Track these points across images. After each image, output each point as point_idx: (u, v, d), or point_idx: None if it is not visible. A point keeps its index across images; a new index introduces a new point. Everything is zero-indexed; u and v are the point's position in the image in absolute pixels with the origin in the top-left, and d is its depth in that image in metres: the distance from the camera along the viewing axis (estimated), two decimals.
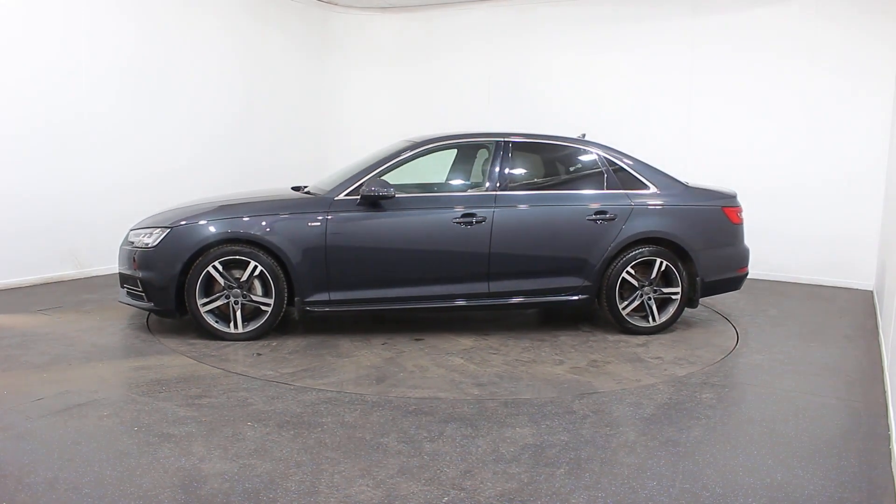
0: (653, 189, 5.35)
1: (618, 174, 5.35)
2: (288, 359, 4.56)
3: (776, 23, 7.62)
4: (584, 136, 5.70)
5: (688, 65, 8.07)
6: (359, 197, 4.94)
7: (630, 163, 5.41)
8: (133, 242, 5.03)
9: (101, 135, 6.97)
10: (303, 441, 3.25)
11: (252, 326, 4.87)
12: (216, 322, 4.86)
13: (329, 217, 4.89)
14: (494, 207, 5.06)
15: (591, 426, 3.51)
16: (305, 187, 5.53)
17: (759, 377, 4.45)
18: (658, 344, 5.07)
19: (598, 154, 5.42)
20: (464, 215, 5.01)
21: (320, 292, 4.90)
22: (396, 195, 4.95)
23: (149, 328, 5.19)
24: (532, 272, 5.15)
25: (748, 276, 5.71)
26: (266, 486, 2.80)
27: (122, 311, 5.67)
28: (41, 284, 6.56)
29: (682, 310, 5.35)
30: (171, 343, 4.80)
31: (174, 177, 7.65)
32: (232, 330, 4.86)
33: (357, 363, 4.51)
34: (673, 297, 5.29)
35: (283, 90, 9.17)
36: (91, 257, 7.02)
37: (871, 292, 7.20)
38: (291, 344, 4.89)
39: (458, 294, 5.09)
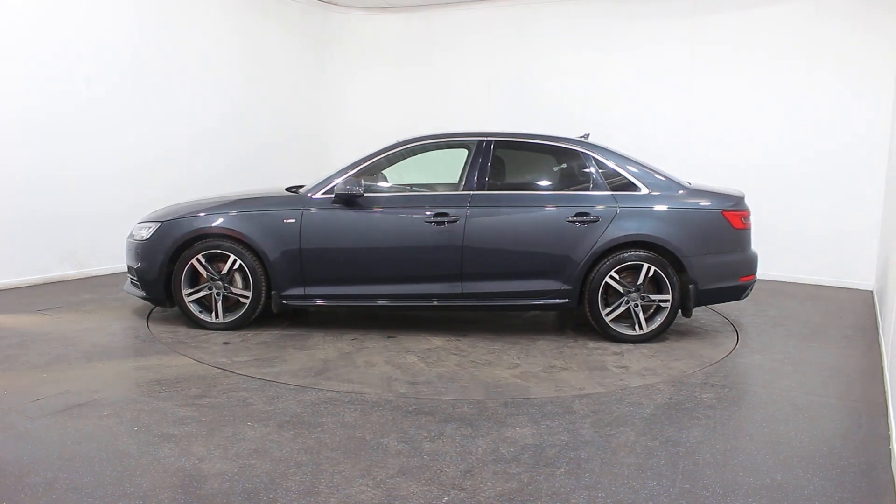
0: (644, 190, 5.07)
1: (606, 175, 5.12)
2: (251, 348, 4.75)
3: (776, 22, 7.62)
4: (587, 136, 5.64)
5: (688, 63, 8.07)
6: (333, 195, 5.06)
7: (620, 163, 5.17)
8: (134, 235, 5.35)
9: (101, 133, 6.98)
10: (303, 441, 3.25)
11: (232, 317, 5.14)
12: (200, 312, 5.17)
13: (304, 214, 5.05)
14: (469, 207, 5.02)
15: (591, 426, 3.51)
16: (301, 187, 5.55)
17: (759, 377, 4.45)
18: (637, 353, 4.83)
19: (585, 154, 5.21)
20: (436, 215, 5.00)
21: (296, 287, 5.08)
22: (370, 194, 5.11)
23: (149, 328, 5.19)
24: (507, 274, 5.03)
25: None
26: (266, 486, 2.80)
27: (122, 310, 5.67)
28: (41, 284, 6.56)
29: (673, 318, 5.05)
30: (172, 343, 4.81)
31: (173, 176, 7.65)
32: (213, 320, 5.14)
33: (311, 356, 4.61)
34: (662, 304, 5.01)
35: (282, 89, 9.17)
36: (90, 257, 7.02)
37: (871, 292, 7.20)
38: (265, 335, 5.08)
39: (431, 294, 5.06)
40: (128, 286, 5.44)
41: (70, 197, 6.77)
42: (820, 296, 7.08)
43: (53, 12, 6.48)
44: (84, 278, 6.90)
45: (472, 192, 5.09)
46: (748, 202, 5.29)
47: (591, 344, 5.05)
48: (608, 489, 2.85)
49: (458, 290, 5.04)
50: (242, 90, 8.58)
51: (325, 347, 4.83)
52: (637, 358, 4.74)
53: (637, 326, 5.03)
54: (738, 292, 5.22)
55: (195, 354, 4.57)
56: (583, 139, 5.47)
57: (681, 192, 5.14)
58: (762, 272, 7.42)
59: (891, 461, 3.19)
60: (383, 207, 5.12)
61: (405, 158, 5.44)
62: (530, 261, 5.02)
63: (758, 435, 3.48)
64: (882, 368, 4.61)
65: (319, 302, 5.11)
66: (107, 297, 6.15)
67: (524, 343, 5.06)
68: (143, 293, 5.23)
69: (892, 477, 3.05)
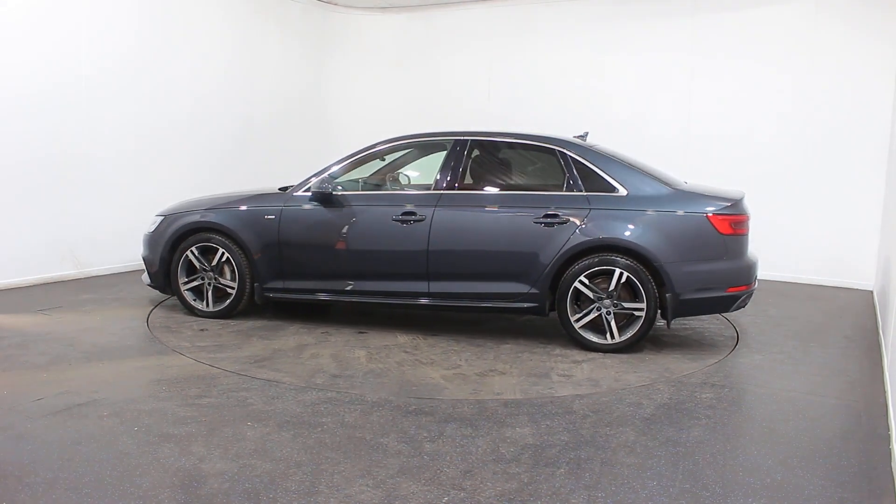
0: (622, 192, 4.78)
1: (582, 175, 4.88)
2: (221, 335, 5.02)
3: (776, 22, 7.62)
4: (586, 134, 5.59)
5: (688, 63, 8.06)
6: (310, 193, 5.25)
7: (600, 163, 4.90)
8: (147, 228, 5.74)
9: (100, 133, 6.96)
10: (303, 441, 3.25)
11: (220, 306, 5.45)
12: (194, 300, 5.52)
13: (283, 211, 5.28)
14: (436, 206, 5.00)
15: (592, 426, 3.51)
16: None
17: (759, 377, 4.45)
18: (598, 363, 4.56)
19: (561, 153, 4.99)
20: (403, 213, 5.03)
21: (276, 280, 5.32)
22: (344, 192, 5.29)
23: (149, 328, 5.19)
24: (472, 275, 4.95)
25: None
26: (266, 486, 2.80)
27: (122, 310, 5.68)
28: (41, 284, 6.55)
29: (648, 328, 4.70)
30: (172, 343, 4.81)
31: (173, 176, 7.64)
32: (204, 308, 5.48)
33: (268, 346, 4.79)
34: (636, 313, 4.69)
35: (282, 89, 9.17)
36: (91, 256, 7.01)
37: (871, 292, 7.20)
38: (246, 325, 5.33)
39: (399, 292, 5.10)
40: (144, 276, 5.77)
41: (70, 197, 6.75)
42: (820, 296, 7.08)
43: (53, 13, 6.47)
44: (84, 278, 6.89)
45: (440, 192, 5.07)
46: (747, 200, 4.92)
47: (557, 351, 4.81)
48: (608, 489, 2.85)
49: (425, 290, 5.04)
50: (242, 89, 8.56)
51: (288, 339, 4.98)
52: (592, 368, 4.47)
53: (609, 335, 4.74)
54: (725, 303, 4.83)
55: (164, 336, 4.91)
56: (579, 139, 5.36)
57: (664, 194, 4.80)
58: (763, 272, 7.31)
59: (891, 461, 3.20)
60: (355, 205, 5.21)
61: (385, 157, 5.60)
62: (496, 262, 4.91)
63: (758, 435, 3.49)
64: (882, 368, 4.61)
65: (296, 295, 5.31)
66: (107, 297, 6.15)
67: (489, 346, 4.93)
68: (150, 281, 5.64)
69: (892, 477, 3.05)
